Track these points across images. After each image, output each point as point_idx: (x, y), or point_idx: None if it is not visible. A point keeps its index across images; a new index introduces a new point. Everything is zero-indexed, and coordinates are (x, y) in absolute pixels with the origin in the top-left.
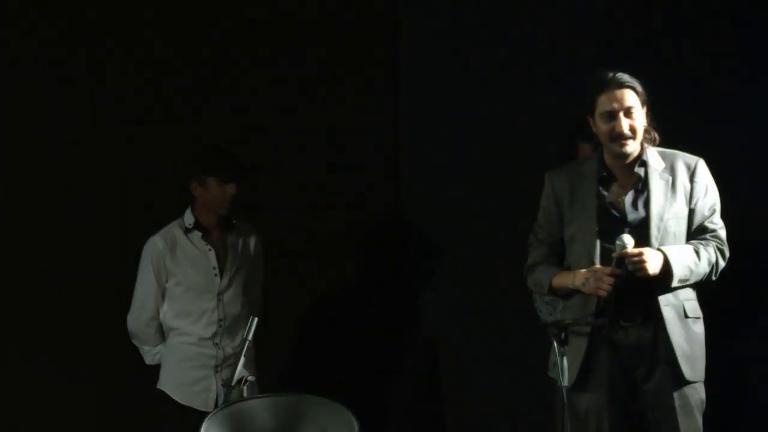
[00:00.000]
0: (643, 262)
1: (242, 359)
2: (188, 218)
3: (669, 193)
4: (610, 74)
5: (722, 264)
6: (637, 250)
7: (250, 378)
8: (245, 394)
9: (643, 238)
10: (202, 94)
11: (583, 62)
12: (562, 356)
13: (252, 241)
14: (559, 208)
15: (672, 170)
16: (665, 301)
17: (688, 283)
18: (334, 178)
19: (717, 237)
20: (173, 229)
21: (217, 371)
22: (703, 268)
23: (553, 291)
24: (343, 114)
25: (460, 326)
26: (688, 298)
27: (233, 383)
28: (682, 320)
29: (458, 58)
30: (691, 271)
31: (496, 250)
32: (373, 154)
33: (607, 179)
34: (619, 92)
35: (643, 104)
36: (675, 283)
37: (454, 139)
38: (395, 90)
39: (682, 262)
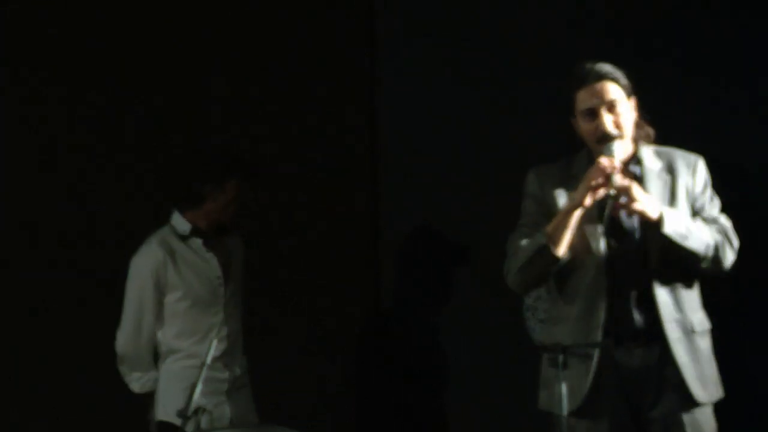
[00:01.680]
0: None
1: (199, 386)
2: (181, 224)
3: (668, 195)
4: (587, 67)
5: (729, 253)
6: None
7: (208, 407)
8: (202, 426)
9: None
10: (180, 97)
11: (570, 61)
12: (561, 382)
13: (241, 247)
14: (552, 210)
15: (671, 170)
16: (670, 316)
17: (687, 242)
18: (315, 181)
19: (721, 226)
20: (166, 236)
21: (229, 396)
22: (705, 235)
23: (551, 240)
24: (321, 116)
25: (458, 331)
26: (695, 308)
27: (189, 414)
28: (689, 336)
29: (437, 57)
30: (687, 229)
31: (495, 253)
32: (352, 157)
33: None
34: (598, 85)
35: (629, 96)
36: (667, 229)
37: (443, 139)
38: (373, 90)
39: (675, 213)
